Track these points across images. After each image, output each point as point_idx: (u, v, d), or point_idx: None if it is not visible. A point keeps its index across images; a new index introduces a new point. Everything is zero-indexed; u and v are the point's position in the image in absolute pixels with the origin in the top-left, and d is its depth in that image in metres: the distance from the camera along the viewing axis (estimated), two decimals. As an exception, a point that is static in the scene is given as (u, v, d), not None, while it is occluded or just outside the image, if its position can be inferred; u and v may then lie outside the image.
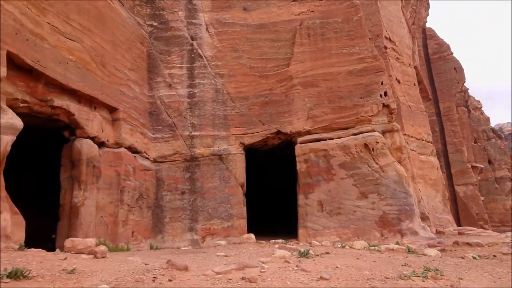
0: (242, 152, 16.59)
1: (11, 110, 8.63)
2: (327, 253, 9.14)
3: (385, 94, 16.56)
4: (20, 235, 8.94)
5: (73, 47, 11.79)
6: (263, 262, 6.87)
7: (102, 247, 7.18)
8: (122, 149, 13.71)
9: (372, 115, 16.40)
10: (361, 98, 16.52)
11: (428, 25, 43.68)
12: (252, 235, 13.51)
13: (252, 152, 17.47)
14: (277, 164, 20.78)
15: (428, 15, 45.11)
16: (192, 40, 17.54)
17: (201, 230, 15.72)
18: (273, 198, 23.74)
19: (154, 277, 5.33)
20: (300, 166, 16.10)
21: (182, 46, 17.36)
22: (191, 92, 16.88)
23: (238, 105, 16.89)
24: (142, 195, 14.56)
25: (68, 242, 7.71)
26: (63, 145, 12.40)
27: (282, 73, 17.12)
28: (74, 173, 11.98)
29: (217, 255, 8.94)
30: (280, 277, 5.82)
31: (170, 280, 5.26)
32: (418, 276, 6.48)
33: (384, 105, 16.47)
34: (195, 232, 15.70)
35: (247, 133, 16.65)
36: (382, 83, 16.61)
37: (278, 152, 18.64)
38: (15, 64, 9.67)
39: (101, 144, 12.98)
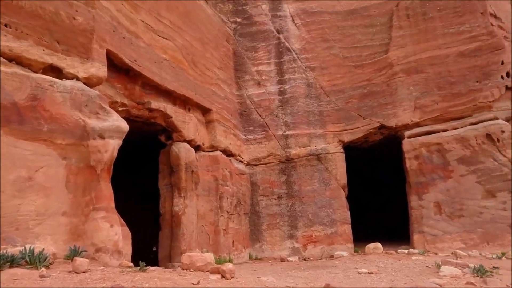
0: (342, 150, 15.05)
1: (115, 112, 7.90)
2: (495, 267, 7.37)
3: (507, 75, 14.21)
4: (127, 248, 8.19)
5: (166, 45, 11.05)
6: (440, 285, 5.37)
7: (230, 265, 6.07)
8: (218, 153, 12.82)
9: (492, 101, 14.12)
10: (477, 82, 14.29)
11: None
12: (379, 244, 11.94)
13: (348, 150, 15.82)
14: (376, 162, 18.95)
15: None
16: (278, 33, 16.35)
17: (301, 237, 14.40)
18: (372, 199, 21.86)
19: (322, 311, 4.05)
20: (410, 164, 14.19)
21: (268, 41, 16.22)
22: (281, 89, 15.67)
23: (334, 99, 15.39)
24: (239, 201, 13.57)
25: (185, 258, 6.70)
26: (160, 151, 11.71)
27: (381, 60, 15.36)
28: (173, 179, 11.22)
29: (359, 272, 7.55)
30: (487, 308, 4.32)
31: (346, 316, 3.95)
32: None
33: (507, 88, 14.13)
34: (295, 239, 14.41)
35: (346, 130, 15.08)
36: (502, 63, 14.27)
37: (378, 149, 16.84)
38: (113, 64, 9.00)
39: (197, 148, 12.15)
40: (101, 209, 7.20)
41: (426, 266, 7.96)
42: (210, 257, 6.81)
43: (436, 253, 11.63)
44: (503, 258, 9.67)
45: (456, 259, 8.61)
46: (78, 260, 5.55)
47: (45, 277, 5.01)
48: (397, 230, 17.32)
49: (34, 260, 5.58)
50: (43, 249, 6.02)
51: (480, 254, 10.78)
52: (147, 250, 13.15)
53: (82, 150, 7.23)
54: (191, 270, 6.53)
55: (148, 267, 6.34)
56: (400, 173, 15.28)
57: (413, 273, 7.17)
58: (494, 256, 10.02)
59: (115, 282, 4.76)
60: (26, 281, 4.76)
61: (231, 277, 5.92)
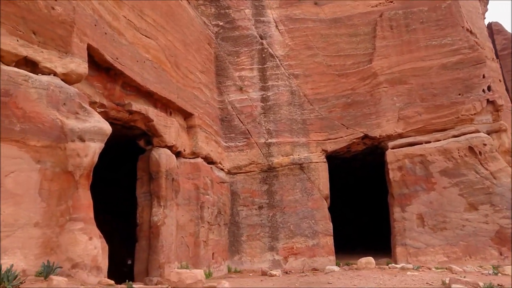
0: (325, 160, 14.70)
1: (97, 113, 7.20)
2: (500, 285, 7.09)
3: (489, 88, 14.37)
4: (104, 262, 7.43)
5: (149, 44, 10.41)
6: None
7: (226, 284, 5.50)
8: (199, 160, 12.19)
9: (474, 114, 14.23)
10: (459, 94, 14.37)
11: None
12: (371, 259, 11.55)
13: (331, 160, 15.48)
14: (358, 172, 18.76)
15: (487, 10, 41.99)
16: (262, 39, 15.95)
17: (282, 249, 13.90)
18: (352, 209, 21.58)
19: None
20: (394, 175, 14.01)
21: (251, 46, 15.78)
22: (264, 96, 15.22)
23: (317, 107, 15.08)
24: (220, 211, 12.95)
25: (174, 276, 6.10)
26: (138, 156, 10.95)
27: (365, 70, 15.22)
28: (152, 187, 10.47)
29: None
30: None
31: None
32: None
33: (488, 102, 14.27)
34: (275, 251, 13.89)
35: (329, 139, 14.77)
36: (483, 77, 14.44)
37: (360, 159, 16.64)
38: (93, 61, 8.29)
39: (177, 154, 11.46)
40: (78, 219, 6.47)
41: (427, 283, 7.64)
42: (200, 274, 6.26)
43: (429, 268, 11.38)
44: (499, 274, 9.47)
45: (451, 273, 8.34)
46: (55, 279, 4.85)
47: (16, 300, 4.29)
48: (376, 241, 17.12)
49: (1, 279, 4.83)
50: (12, 265, 5.27)
51: (475, 269, 10.58)
52: (120, 263, 12.30)
53: (59, 154, 6.48)
54: (180, 288, 5.92)
55: (132, 284, 5.68)
56: (382, 184, 15.10)
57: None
58: (490, 272, 9.85)
59: (101, 307, 4.11)
60: (-6, 305, 4.04)
61: (229, 298, 5.35)
